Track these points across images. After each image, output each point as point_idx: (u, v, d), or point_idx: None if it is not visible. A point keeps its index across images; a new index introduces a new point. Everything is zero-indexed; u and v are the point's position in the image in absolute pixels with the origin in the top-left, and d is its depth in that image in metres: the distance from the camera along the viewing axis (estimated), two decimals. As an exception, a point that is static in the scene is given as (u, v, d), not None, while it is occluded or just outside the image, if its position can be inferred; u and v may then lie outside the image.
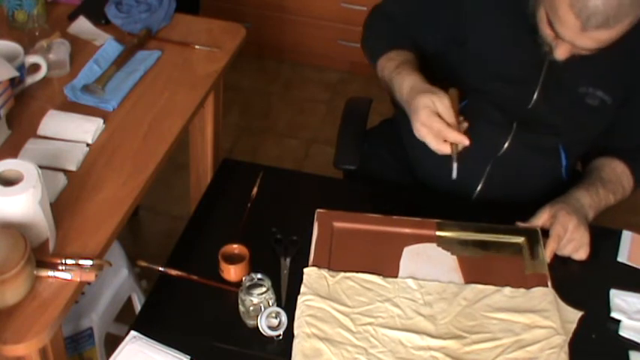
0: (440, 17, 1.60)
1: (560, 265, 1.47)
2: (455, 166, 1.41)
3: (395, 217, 1.51)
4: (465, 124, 1.44)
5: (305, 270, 1.40)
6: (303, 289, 1.37)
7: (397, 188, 1.65)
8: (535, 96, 1.56)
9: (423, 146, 1.43)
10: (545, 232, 1.48)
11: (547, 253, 1.45)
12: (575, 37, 1.34)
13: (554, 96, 1.56)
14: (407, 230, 1.49)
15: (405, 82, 1.49)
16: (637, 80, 1.55)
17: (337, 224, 1.49)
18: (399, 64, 1.55)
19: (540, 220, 1.50)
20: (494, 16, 1.54)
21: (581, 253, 1.48)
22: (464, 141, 1.39)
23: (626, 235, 1.56)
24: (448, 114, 1.40)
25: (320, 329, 1.30)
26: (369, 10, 1.74)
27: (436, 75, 1.62)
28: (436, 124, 1.39)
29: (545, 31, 1.41)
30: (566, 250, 1.48)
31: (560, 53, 1.41)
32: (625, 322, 1.39)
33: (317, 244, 1.45)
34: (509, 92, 1.58)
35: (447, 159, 1.42)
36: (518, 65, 1.56)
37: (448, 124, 1.39)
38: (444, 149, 1.40)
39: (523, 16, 1.46)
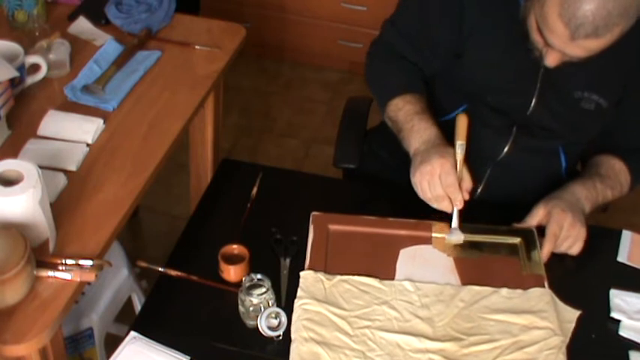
0: (443, 35, 1.58)
1: (560, 265, 1.47)
2: (455, 216, 1.44)
3: (391, 219, 1.51)
4: (468, 182, 1.44)
5: (301, 274, 1.39)
6: (299, 292, 1.36)
7: (397, 189, 1.65)
8: (533, 103, 1.56)
9: None
10: (541, 229, 1.48)
11: (544, 253, 1.45)
12: (565, 46, 1.34)
13: (551, 102, 1.56)
14: (403, 232, 1.49)
15: (415, 141, 1.50)
16: (631, 81, 1.55)
17: (333, 227, 1.49)
18: (409, 118, 1.54)
19: (536, 218, 1.50)
20: (489, 28, 1.54)
21: (575, 248, 1.48)
22: (457, 204, 1.41)
23: (626, 235, 1.56)
24: (448, 178, 1.41)
25: (317, 333, 1.30)
26: (369, 44, 1.70)
27: (433, 88, 1.62)
28: (431, 194, 1.43)
29: (535, 37, 1.40)
30: (563, 248, 1.48)
31: (550, 61, 1.41)
32: (625, 322, 1.39)
33: (313, 247, 1.44)
34: (508, 101, 1.58)
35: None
36: (514, 76, 1.56)
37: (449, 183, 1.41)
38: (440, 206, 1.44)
39: (517, 25, 1.45)
